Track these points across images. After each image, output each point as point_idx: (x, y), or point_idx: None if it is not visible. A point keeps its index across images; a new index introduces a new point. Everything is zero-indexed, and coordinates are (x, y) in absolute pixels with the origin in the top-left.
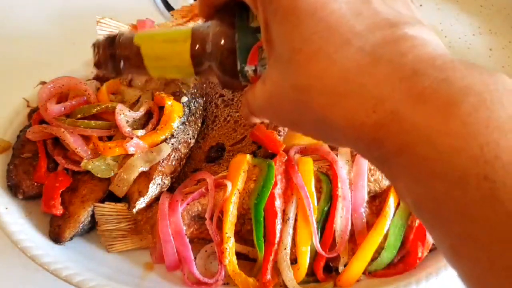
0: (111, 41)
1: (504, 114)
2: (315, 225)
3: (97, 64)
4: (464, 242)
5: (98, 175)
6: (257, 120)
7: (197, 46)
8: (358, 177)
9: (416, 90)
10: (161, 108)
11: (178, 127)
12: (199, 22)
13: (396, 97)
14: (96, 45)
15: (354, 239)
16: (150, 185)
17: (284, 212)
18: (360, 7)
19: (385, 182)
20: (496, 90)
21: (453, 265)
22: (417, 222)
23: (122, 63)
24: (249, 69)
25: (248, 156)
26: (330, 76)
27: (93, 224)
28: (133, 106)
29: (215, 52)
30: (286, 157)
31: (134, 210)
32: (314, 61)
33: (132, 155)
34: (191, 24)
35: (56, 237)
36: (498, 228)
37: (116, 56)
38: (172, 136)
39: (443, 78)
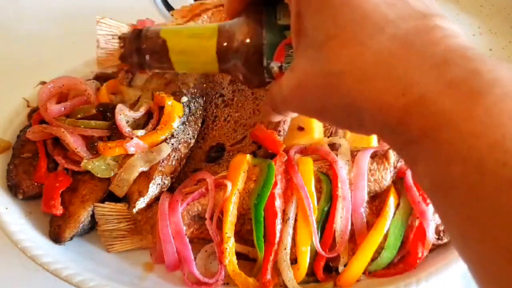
0: (138, 34)
1: None
2: (315, 225)
3: (122, 57)
4: (475, 225)
5: (98, 175)
6: (278, 118)
7: (224, 42)
8: (358, 177)
9: (446, 77)
10: (161, 108)
11: (178, 127)
12: (199, 22)
13: (425, 82)
14: (123, 38)
15: (354, 239)
16: (150, 185)
17: (284, 212)
18: None
19: (385, 182)
20: None
21: (461, 249)
22: (417, 222)
23: (147, 57)
24: (275, 65)
25: (248, 156)
26: (362, 60)
27: (93, 224)
28: (133, 106)
29: (242, 48)
30: (286, 157)
31: (134, 210)
32: (348, 46)
33: (132, 155)
34: (191, 24)
35: (56, 237)
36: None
37: (142, 49)
38: (172, 136)
39: (472, 69)
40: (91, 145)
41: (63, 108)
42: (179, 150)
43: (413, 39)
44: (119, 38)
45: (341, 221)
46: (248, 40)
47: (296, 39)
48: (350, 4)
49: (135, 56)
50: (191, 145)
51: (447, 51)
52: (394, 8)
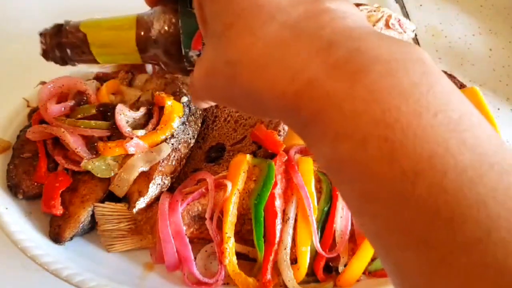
0: (58, 29)
1: (408, 81)
2: (315, 225)
3: (44, 54)
4: (366, 200)
5: (98, 175)
6: (204, 105)
7: (142, 33)
8: None
9: (331, 60)
10: (161, 108)
11: (178, 127)
12: None
13: (312, 67)
14: (43, 34)
15: (354, 239)
16: (150, 185)
17: (284, 212)
18: None
19: None
20: (404, 60)
21: (359, 224)
22: None
23: (69, 51)
24: (193, 54)
25: (248, 156)
26: (255, 50)
27: (93, 224)
28: (133, 106)
29: (160, 38)
30: (286, 157)
31: (134, 210)
32: (242, 36)
33: (132, 155)
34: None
35: (56, 237)
36: (395, 186)
37: (63, 44)
38: (172, 136)
39: (355, 48)
40: (91, 145)
41: (63, 108)
42: (179, 150)
43: (302, 24)
44: (40, 34)
45: (341, 221)
46: (165, 30)
47: (202, 27)
48: None
49: (57, 51)
50: (191, 145)
51: (333, 33)
52: None
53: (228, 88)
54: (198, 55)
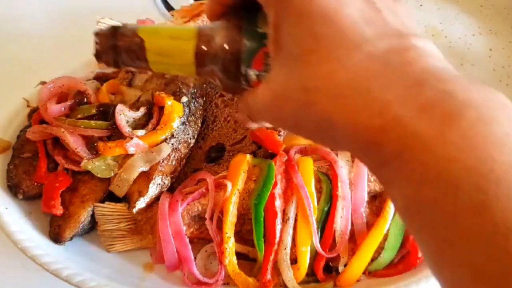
0: (114, 31)
1: (501, 130)
2: (315, 225)
3: (97, 54)
4: (448, 248)
5: (98, 175)
6: (254, 125)
7: (202, 46)
8: (358, 177)
9: (420, 99)
10: (161, 108)
11: (178, 127)
12: (199, 22)
13: (400, 103)
14: (98, 35)
15: (354, 239)
16: (150, 185)
17: (284, 212)
18: (371, 15)
19: None
20: (495, 107)
21: (435, 271)
22: None
23: (123, 55)
24: (252, 73)
25: (248, 156)
26: (338, 78)
27: (93, 224)
28: (133, 106)
29: (220, 53)
30: (286, 157)
31: (134, 210)
32: (324, 62)
33: (132, 155)
34: (191, 24)
35: (56, 237)
36: (484, 237)
37: (118, 47)
38: (172, 136)
39: (446, 90)
40: (91, 145)
41: (63, 108)
42: (179, 150)
43: (389, 58)
44: (95, 34)
45: (341, 221)
46: (226, 46)
47: (273, 49)
48: (328, 19)
49: (110, 53)
50: (191, 145)
51: (421, 71)
52: (372, 25)
53: (298, 114)
54: (257, 75)
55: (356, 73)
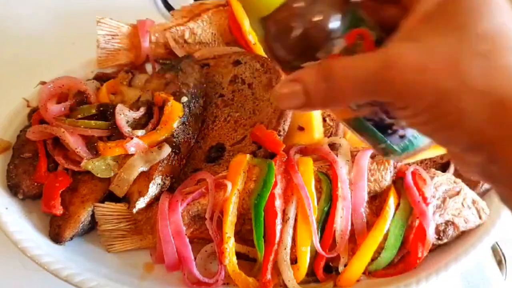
0: None
1: None
2: (315, 225)
3: None
4: None
5: (98, 175)
6: (309, 110)
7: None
8: (358, 177)
9: None
10: (161, 108)
11: (178, 127)
12: (199, 22)
13: None
14: None
15: (354, 239)
16: (150, 185)
17: (284, 212)
18: None
19: (385, 182)
20: None
21: None
22: (417, 222)
23: None
24: (341, 44)
25: (248, 156)
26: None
27: (93, 224)
28: (133, 106)
29: (317, 8)
30: (286, 157)
31: (134, 210)
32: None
33: (132, 155)
34: (191, 24)
35: (56, 237)
36: None
37: None
38: (172, 136)
39: None
40: (91, 145)
41: (63, 108)
42: (179, 150)
43: None
44: None
45: (341, 221)
46: (331, 5)
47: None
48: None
49: None
50: (191, 145)
51: None
52: None
53: (461, 87)
54: (342, 49)
55: None
